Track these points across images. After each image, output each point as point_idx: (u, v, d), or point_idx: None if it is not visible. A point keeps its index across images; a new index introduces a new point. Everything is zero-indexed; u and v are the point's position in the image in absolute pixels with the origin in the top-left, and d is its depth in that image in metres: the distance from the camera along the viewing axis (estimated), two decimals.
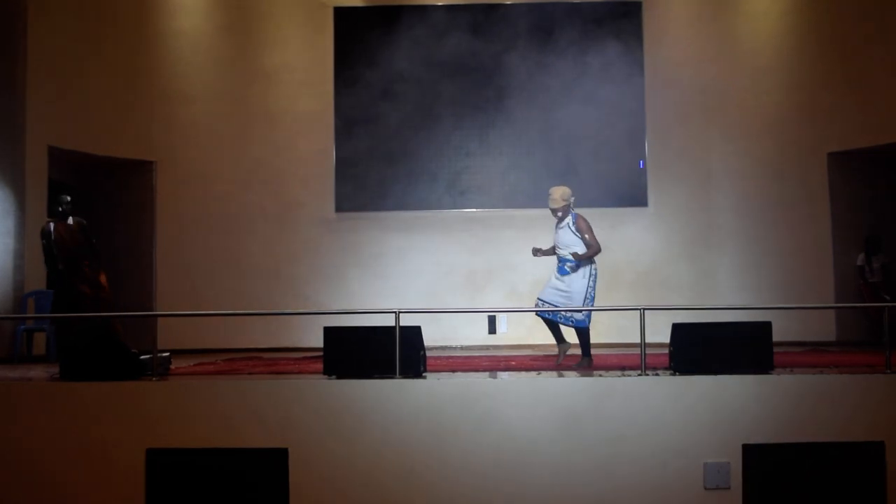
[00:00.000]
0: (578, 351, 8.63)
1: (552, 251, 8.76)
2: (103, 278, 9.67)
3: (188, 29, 12.74)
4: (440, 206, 12.75)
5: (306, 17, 13.09)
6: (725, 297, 12.18)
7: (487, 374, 7.87)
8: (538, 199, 12.48)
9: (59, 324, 9.39)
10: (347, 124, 12.83)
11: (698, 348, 7.05)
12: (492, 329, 12.41)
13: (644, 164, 12.72)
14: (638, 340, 7.18)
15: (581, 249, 8.49)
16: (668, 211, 12.71)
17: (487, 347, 11.95)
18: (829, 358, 8.90)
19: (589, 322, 8.54)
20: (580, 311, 8.39)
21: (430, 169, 12.70)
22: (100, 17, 11.83)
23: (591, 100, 12.14)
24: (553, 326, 8.68)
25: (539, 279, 12.32)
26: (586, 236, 8.50)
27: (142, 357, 7.46)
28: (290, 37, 13.14)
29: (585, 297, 8.45)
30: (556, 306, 8.46)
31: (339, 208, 12.83)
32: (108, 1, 11.98)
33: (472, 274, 12.59)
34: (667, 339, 7.19)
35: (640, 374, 7.05)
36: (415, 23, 12.62)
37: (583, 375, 7.34)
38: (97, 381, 7.15)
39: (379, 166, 12.68)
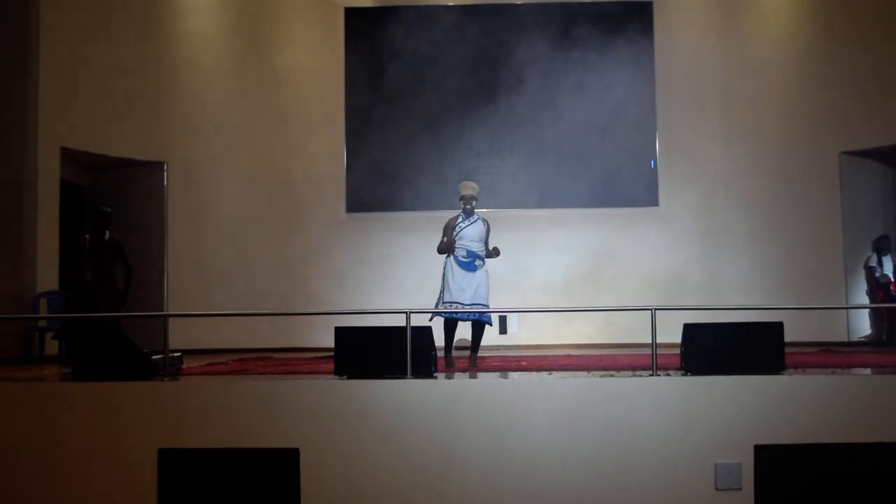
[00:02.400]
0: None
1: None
2: (121, 294, 9.64)
3: (200, 30, 12.76)
4: (451, 207, 12.69)
5: (317, 18, 13.12)
6: (737, 297, 12.15)
7: (498, 374, 7.87)
8: (548, 200, 12.60)
9: (66, 325, 9.37)
10: (358, 124, 12.85)
11: (710, 349, 7.03)
12: (503, 329, 12.40)
13: (655, 164, 12.71)
14: (649, 341, 7.17)
15: (479, 248, 8.60)
16: (680, 211, 12.69)
17: (498, 347, 11.94)
18: (840, 358, 8.87)
19: (490, 320, 8.71)
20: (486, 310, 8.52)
21: (440, 169, 12.71)
22: (111, 18, 11.86)
23: (601, 100, 12.15)
24: (452, 327, 8.63)
25: (549, 279, 12.41)
26: (490, 235, 8.74)
27: (153, 357, 7.48)
28: (300, 37, 13.17)
29: (487, 293, 8.56)
30: (469, 305, 8.43)
31: (350, 209, 12.86)
32: (121, 2, 12.01)
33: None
34: (678, 340, 7.18)
35: (651, 375, 7.03)
36: (425, 23, 12.65)
37: (593, 376, 7.32)
38: (109, 382, 7.17)
39: (389, 167, 12.70)
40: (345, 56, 13.01)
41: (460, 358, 8.82)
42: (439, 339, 7.44)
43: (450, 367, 8.36)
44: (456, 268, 8.55)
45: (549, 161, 12.63)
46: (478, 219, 8.71)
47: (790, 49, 12.70)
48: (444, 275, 8.65)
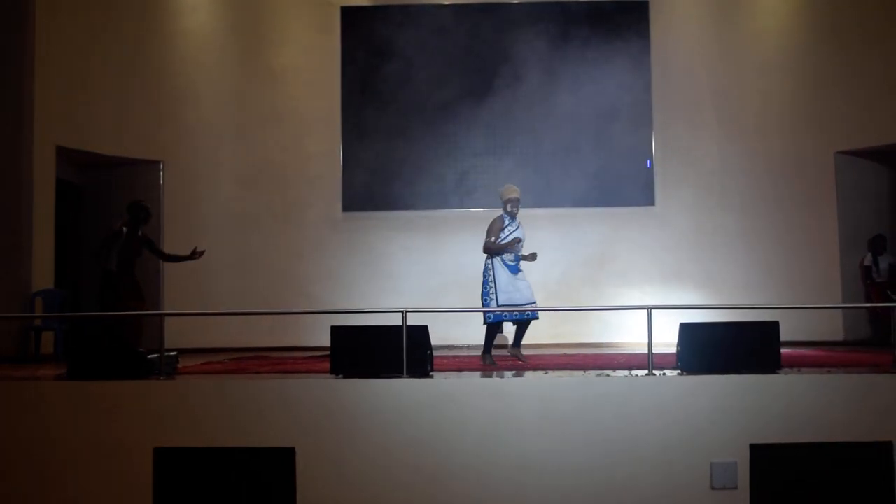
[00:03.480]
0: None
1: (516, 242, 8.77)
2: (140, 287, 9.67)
3: (195, 28, 12.76)
4: (447, 206, 12.76)
5: (313, 17, 13.11)
6: (732, 296, 12.16)
7: (494, 373, 7.86)
8: (544, 199, 12.59)
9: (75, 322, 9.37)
10: (354, 123, 12.85)
11: (705, 348, 7.04)
12: (499, 328, 12.38)
13: (651, 163, 12.72)
14: (645, 340, 7.18)
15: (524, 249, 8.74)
16: (676, 210, 12.70)
17: (495, 347, 11.91)
18: (836, 357, 8.89)
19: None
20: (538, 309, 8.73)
21: (436, 169, 12.71)
22: (107, 16, 11.85)
23: (597, 99, 12.15)
24: (499, 330, 8.73)
25: (546, 279, 12.39)
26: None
27: (149, 356, 7.47)
28: (296, 36, 13.16)
29: None
30: (522, 306, 8.53)
31: (346, 208, 12.85)
32: (117, 1, 11.99)
33: (478, 273, 12.53)
34: (674, 339, 7.19)
35: (647, 374, 7.04)
36: (421, 22, 12.64)
37: (589, 375, 7.32)
38: (105, 381, 7.16)
39: (386, 166, 12.69)
40: (341, 55, 13.00)
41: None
42: (435, 338, 7.43)
43: (492, 366, 8.42)
44: (505, 270, 8.66)
45: (545, 160, 12.62)
46: (519, 221, 8.84)
47: (786, 48, 12.72)
48: (490, 278, 8.71)
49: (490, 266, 8.72)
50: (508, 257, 8.66)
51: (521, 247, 8.76)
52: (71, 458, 6.95)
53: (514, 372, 7.95)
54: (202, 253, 9.65)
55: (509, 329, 9.10)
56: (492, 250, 8.74)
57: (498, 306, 8.59)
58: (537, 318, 8.77)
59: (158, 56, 12.43)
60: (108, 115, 11.81)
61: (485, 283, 8.73)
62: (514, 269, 8.69)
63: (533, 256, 8.80)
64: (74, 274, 12.17)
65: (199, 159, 12.60)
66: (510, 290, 8.60)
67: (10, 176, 10.71)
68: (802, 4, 12.70)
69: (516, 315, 8.56)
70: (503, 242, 8.69)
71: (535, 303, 8.71)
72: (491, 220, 8.93)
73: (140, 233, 9.53)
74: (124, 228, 9.37)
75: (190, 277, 12.29)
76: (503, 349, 9.25)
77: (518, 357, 8.74)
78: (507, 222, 8.80)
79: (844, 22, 12.33)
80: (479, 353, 9.09)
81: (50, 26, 11.09)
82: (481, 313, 8.70)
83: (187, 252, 9.60)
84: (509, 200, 8.85)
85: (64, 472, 6.95)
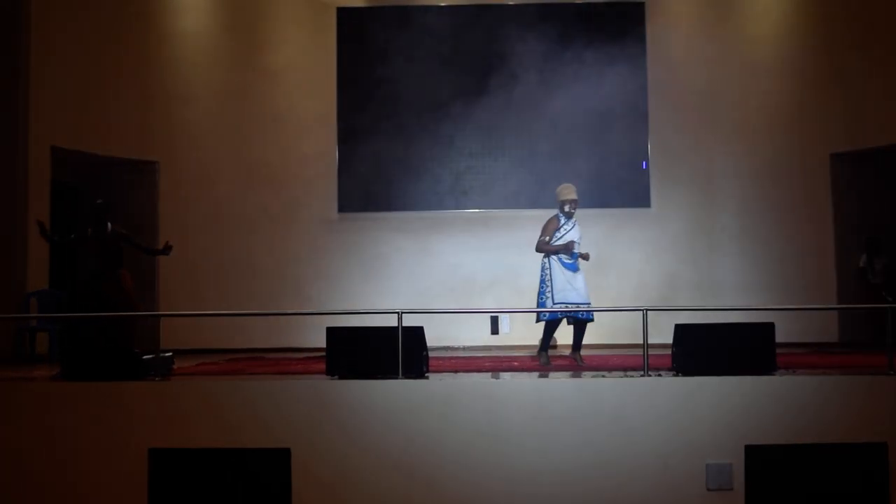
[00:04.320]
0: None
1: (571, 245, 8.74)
2: (130, 286, 9.58)
3: (191, 29, 12.75)
4: (443, 207, 12.76)
5: (309, 18, 13.10)
6: (728, 297, 12.17)
7: (490, 374, 7.87)
8: (540, 200, 12.55)
9: (66, 323, 9.29)
10: (350, 124, 12.84)
11: (701, 349, 7.05)
12: (494, 329, 12.40)
13: (647, 164, 12.73)
14: (640, 341, 7.18)
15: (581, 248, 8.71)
16: (671, 211, 12.70)
17: (490, 348, 11.95)
18: (831, 359, 8.90)
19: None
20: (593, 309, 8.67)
21: (432, 169, 12.71)
22: (103, 17, 11.83)
23: (593, 101, 12.13)
24: (556, 328, 8.70)
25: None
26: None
27: (144, 357, 7.46)
28: (293, 37, 13.15)
29: None
30: (578, 305, 8.50)
31: (342, 209, 12.85)
32: (112, 1, 11.98)
33: (474, 274, 12.59)
34: (669, 340, 7.19)
35: (642, 375, 7.05)
36: (417, 23, 12.65)
37: (584, 377, 7.33)
38: (99, 382, 7.15)
39: (382, 167, 12.68)
40: (337, 56, 13.00)
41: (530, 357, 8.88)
42: (431, 339, 7.43)
43: (546, 366, 8.41)
44: (562, 268, 8.63)
45: (541, 162, 12.62)
46: (575, 221, 8.84)
47: (781, 50, 12.73)
48: (547, 276, 8.68)
49: (547, 265, 8.73)
50: (565, 256, 8.65)
51: (577, 247, 8.71)
52: (65, 460, 6.94)
53: (510, 374, 7.95)
54: (171, 248, 9.57)
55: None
56: (544, 251, 8.76)
57: (553, 305, 8.57)
58: (591, 319, 8.69)
59: (154, 56, 12.42)
60: (103, 115, 11.79)
61: (541, 281, 8.73)
62: (573, 268, 8.66)
63: (586, 256, 8.74)
64: (69, 275, 12.14)
65: (195, 160, 12.59)
66: (566, 289, 8.57)
67: (6, 176, 10.70)
68: (797, 6, 12.71)
69: (583, 315, 8.54)
70: (557, 244, 8.69)
71: (589, 303, 8.67)
72: (543, 219, 8.99)
73: (110, 228, 9.39)
74: (90, 231, 9.28)
75: (185, 278, 12.29)
76: (493, 349, 9.23)
77: (576, 360, 8.65)
78: (562, 222, 8.81)
79: (838, 24, 12.35)
80: (475, 354, 9.09)
81: (45, 26, 11.07)
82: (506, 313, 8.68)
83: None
84: (565, 201, 8.86)
85: (58, 473, 6.94)
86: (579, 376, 7.43)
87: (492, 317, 12.38)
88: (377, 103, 12.74)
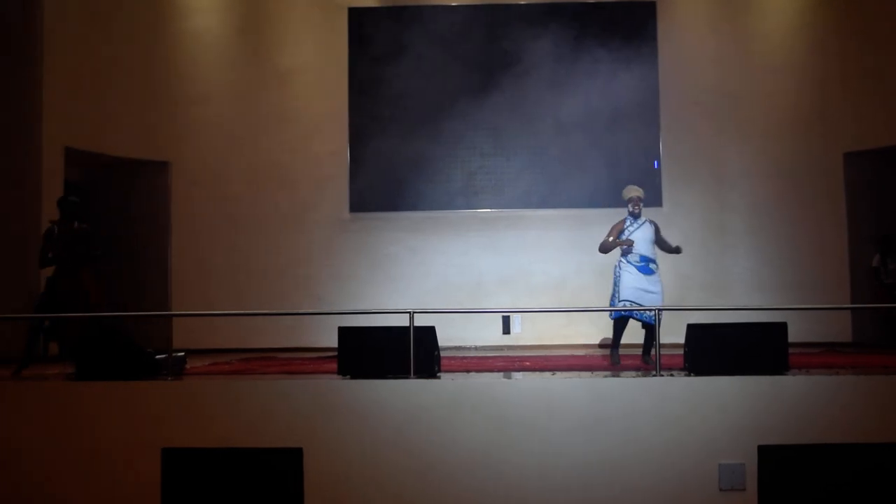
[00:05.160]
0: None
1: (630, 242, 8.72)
2: (93, 286, 9.33)
3: (203, 30, 12.78)
4: (454, 207, 12.76)
5: (320, 18, 13.11)
6: (740, 297, 12.13)
7: (502, 374, 7.87)
8: (552, 200, 12.59)
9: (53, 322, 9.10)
10: (362, 125, 12.85)
11: (713, 349, 7.03)
12: (506, 329, 12.39)
13: (659, 164, 12.70)
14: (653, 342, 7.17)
15: (649, 251, 8.69)
16: (683, 211, 12.66)
17: (501, 348, 11.94)
18: (844, 359, 8.87)
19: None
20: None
21: (444, 169, 12.71)
22: (115, 18, 11.88)
23: (605, 100, 12.13)
24: (624, 327, 8.64)
25: (553, 280, 12.40)
26: (661, 234, 8.81)
27: (157, 357, 7.49)
28: (304, 38, 13.16)
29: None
30: (642, 305, 8.45)
31: (353, 209, 12.85)
32: (124, 3, 12.02)
33: (485, 274, 12.58)
34: (682, 340, 7.18)
35: (654, 375, 7.03)
36: (429, 23, 12.64)
37: (596, 376, 7.31)
38: (112, 381, 7.18)
39: (393, 167, 12.68)
40: (348, 56, 13.00)
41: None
42: (442, 339, 7.44)
43: (615, 365, 8.37)
44: (633, 270, 8.61)
45: (552, 161, 12.61)
46: (645, 221, 8.79)
47: (794, 48, 12.69)
48: (617, 276, 8.67)
49: (618, 266, 8.72)
50: (633, 258, 8.63)
51: (641, 247, 8.66)
52: (79, 459, 6.97)
53: (521, 373, 7.95)
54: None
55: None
56: (602, 248, 8.83)
57: (619, 302, 8.56)
58: (652, 321, 8.44)
59: (166, 57, 12.45)
60: (115, 116, 11.83)
61: (614, 280, 8.72)
62: (645, 270, 8.61)
63: (677, 250, 8.80)
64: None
65: (206, 160, 12.62)
66: (633, 290, 8.52)
67: (19, 177, 10.74)
68: (809, 5, 12.67)
69: (642, 316, 8.46)
70: (615, 242, 8.74)
71: (637, 303, 8.54)
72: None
73: (77, 226, 9.04)
74: (55, 227, 8.98)
75: (197, 278, 12.32)
76: (504, 349, 9.22)
77: (645, 362, 8.52)
78: (627, 224, 8.80)
79: (851, 22, 12.31)
80: (487, 354, 9.08)
81: (58, 28, 11.12)
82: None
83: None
84: (629, 200, 8.87)
85: (72, 472, 6.97)
86: (590, 376, 7.41)
87: (503, 317, 12.36)
88: (389, 103, 12.74)
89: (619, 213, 12.27)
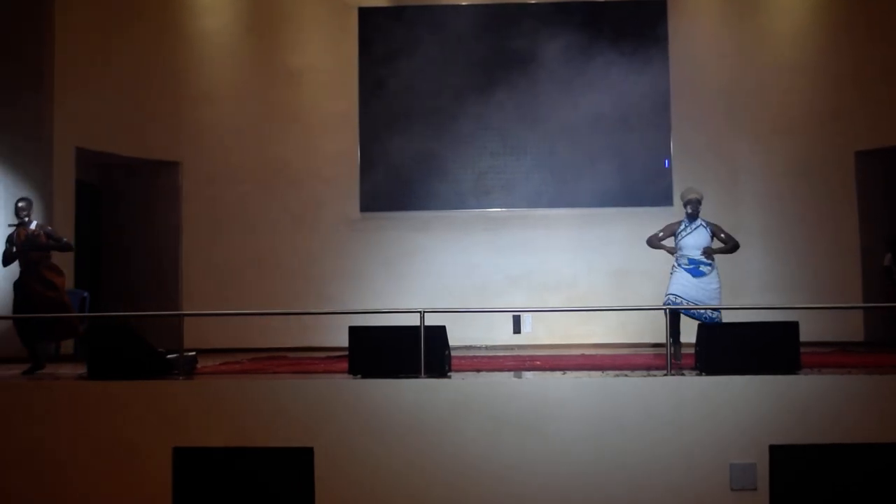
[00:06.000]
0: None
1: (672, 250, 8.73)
2: (58, 280, 9.31)
3: (214, 30, 12.80)
4: (464, 206, 12.75)
5: (331, 18, 13.12)
6: (752, 296, 12.07)
7: (512, 373, 7.86)
8: (562, 199, 12.57)
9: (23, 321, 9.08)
10: (372, 124, 12.85)
11: (725, 348, 7.03)
12: (516, 329, 12.38)
13: (669, 163, 12.66)
14: (664, 340, 7.16)
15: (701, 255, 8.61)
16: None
17: (512, 347, 11.93)
18: (856, 358, 8.83)
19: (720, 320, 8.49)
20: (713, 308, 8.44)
21: (454, 169, 12.70)
22: (126, 18, 11.91)
23: (615, 99, 12.11)
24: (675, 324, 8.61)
25: (563, 279, 12.39)
26: (723, 235, 8.69)
27: (168, 356, 7.51)
28: (314, 37, 13.18)
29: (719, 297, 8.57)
30: (696, 303, 8.41)
31: (364, 208, 12.86)
32: (135, 3, 12.05)
33: (495, 273, 12.57)
34: (693, 340, 7.16)
35: (665, 375, 7.02)
36: (439, 22, 12.64)
37: (607, 376, 7.30)
38: (124, 381, 7.20)
39: (403, 166, 12.68)
40: (358, 56, 13.01)
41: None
42: (453, 338, 7.44)
43: (677, 360, 8.22)
44: (682, 272, 8.61)
45: (563, 161, 12.59)
46: (699, 225, 8.70)
47: (806, 47, 12.64)
48: (670, 274, 8.70)
49: (674, 264, 8.73)
50: (682, 260, 8.62)
51: (695, 252, 8.60)
52: (91, 458, 7.00)
53: (532, 373, 7.94)
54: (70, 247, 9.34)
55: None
56: (648, 242, 8.88)
57: (666, 295, 8.56)
58: (713, 319, 8.44)
59: (177, 57, 12.48)
60: (127, 116, 11.86)
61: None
62: (695, 273, 8.55)
63: (729, 248, 8.70)
64: (94, 275, 12.24)
65: (217, 160, 12.64)
66: (680, 284, 8.52)
67: (31, 177, 10.78)
68: (820, 3, 12.62)
69: (693, 313, 8.41)
70: (660, 243, 8.79)
71: (685, 299, 8.49)
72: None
73: (33, 227, 8.93)
74: (14, 230, 8.93)
75: (208, 278, 12.35)
76: (515, 348, 9.21)
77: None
78: (682, 226, 8.74)
79: (862, 20, 12.25)
80: (498, 353, 9.07)
81: (69, 28, 11.16)
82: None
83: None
84: (688, 202, 8.81)
85: (84, 471, 7.00)
86: (600, 375, 7.39)
87: (514, 316, 12.35)
88: (399, 103, 12.75)
89: (631, 213, 12.34)
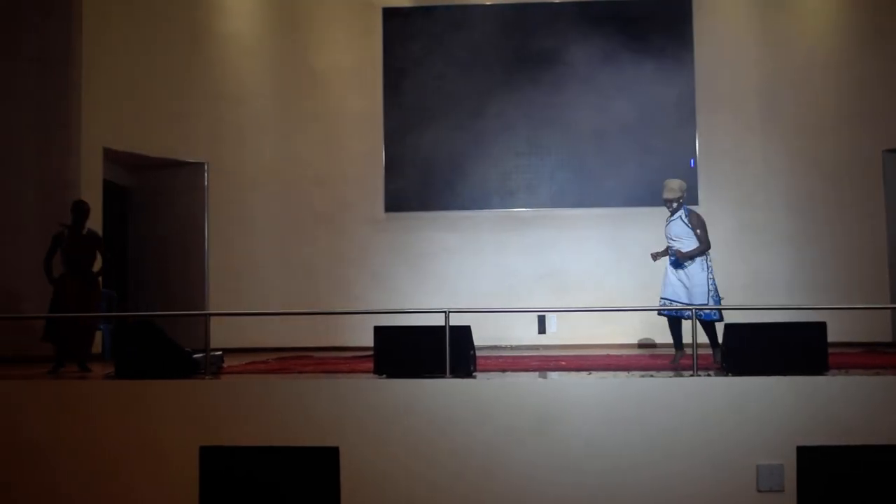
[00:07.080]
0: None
1: (666, 251, 8.71)
2: (97, 289, 9.37)
3: (239, 31, 12.86)
4: (489, 206, 12.74)
5: (355, 18, 13.15)
6: (779, 297, 12.01)
7: (537, 373, 7.85)
8: (587, 199, 12.55)
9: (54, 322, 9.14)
10: (396, 124, 12.87)
11: (752, 349, 6.99)
12: (541, 329, 12.37)
13: (695, 163, 12.60)
14: (689, 340, 7.13)
15: (686, 245, 8.51)
16: (720, 210, 12.52)
17: (537, 347, 11.91)
18: (885, 359, 8.76)
19: (718, 316, 8.33)
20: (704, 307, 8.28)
21: (479, 169, 12.69)
22: (153, 20, 11.97)
23: (640, 98, 12.08)
24: (676, 325, 8.56)
25: (588, 279, 12.36)
26: (698, 231, 8.56)
27: (195, 356, 7.55)
28: (338, 38, 13.21)
29: (708, 290, 8.38)
30: (679, 302, 8.37)
31: (389, 208, 12.88)
32: (161, 4, 12.13)
33: (520, 273, 12.56)
34: (706, 340, 7.13)
35: (692, 375, 6.99)
36: (463, 22, 12.65)
37: (632, 376, 7.28)
38: (152, 380, 7.25)
39: (428, 166, 12.69)
40: (383, 56, 13.03)
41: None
42: (478, 338, 7.44)
43: (673, 364, 8.29)
44: (669, 267, 8.67)
45: (588, 160, 12.55)
46: (677, 217, 8.73)
47: (832, 46, 12.55)
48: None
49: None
50: (669, 257, 8.66)
51: (672, 242, 8.67)
52: (118, 457, 7.06)
53: (557, 373, 7.92)
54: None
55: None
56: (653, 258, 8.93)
57: (660, 300, 8.60)
58: (675, 314, 8.48)
59: (203, 59, 12.54)
60: (154, 117, 11.93)
61: None
62: (676, 265, 8.58)
63: (696, 249, 8.56)
64: (122, 274, 12.32)
65: (243, 161, 12.69)
66: (669, 285, 8.59)
67: (59, 178, 10.86)
68: (847, 3, 12.53)
69: (682, 313, 8.41)
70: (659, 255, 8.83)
71: (670, 300, 8.52)
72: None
73: (85, 231, 9.16)
74: (65, 230, 9.08)
75: (234, 278, 12.40)
76: (540, 349, 9.20)
77: (716, 362, 8.12)
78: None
79: (890, 19, 12.15)
80: (523, 353, 9.07)
81: (97, 29, 11.23)
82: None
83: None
84: (663, 200, 8.89)
85: (111, 470, 7.05)
86: (626, 376, 7.36)
87: (539, 316, 12.33)
88: (423, 102, 12.76)
89: (657, 213, 12.27)
